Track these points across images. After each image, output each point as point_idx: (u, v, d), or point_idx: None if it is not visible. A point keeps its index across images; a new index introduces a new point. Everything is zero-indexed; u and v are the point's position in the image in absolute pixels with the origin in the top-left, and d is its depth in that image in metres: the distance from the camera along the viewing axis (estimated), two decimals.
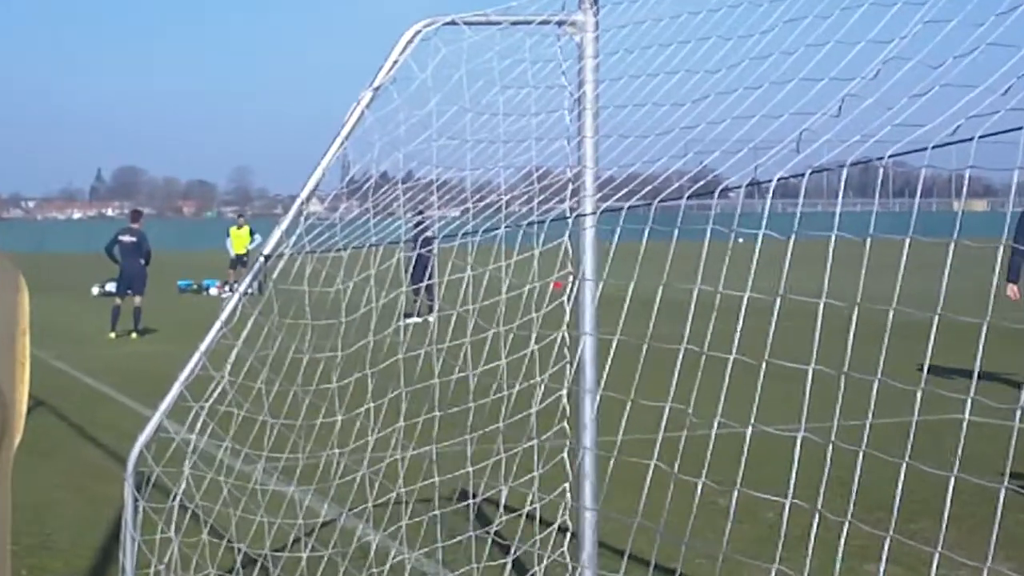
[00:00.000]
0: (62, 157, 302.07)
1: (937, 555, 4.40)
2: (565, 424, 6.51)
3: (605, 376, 6.14)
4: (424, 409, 6.97)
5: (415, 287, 7.92)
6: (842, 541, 4.59)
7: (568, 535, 6.68)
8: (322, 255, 7.05)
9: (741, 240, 5.11)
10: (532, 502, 6.74)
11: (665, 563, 5.85)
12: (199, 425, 7.15)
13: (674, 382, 5.21)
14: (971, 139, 3.99)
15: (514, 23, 6.49)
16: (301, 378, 7.31)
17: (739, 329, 4.66)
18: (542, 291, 6.59)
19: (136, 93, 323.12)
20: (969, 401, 4.17)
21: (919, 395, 4.57)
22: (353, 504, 7.70)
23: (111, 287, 36.60)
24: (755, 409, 4.92)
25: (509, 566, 6.93)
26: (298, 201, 7.02)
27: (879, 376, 4.43)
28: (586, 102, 6.26)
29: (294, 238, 7.05)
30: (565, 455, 6.58)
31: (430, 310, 7.62)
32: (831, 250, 4.41)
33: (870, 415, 4.38)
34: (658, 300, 5.28)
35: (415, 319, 7.37)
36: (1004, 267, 18.14)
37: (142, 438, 7.25)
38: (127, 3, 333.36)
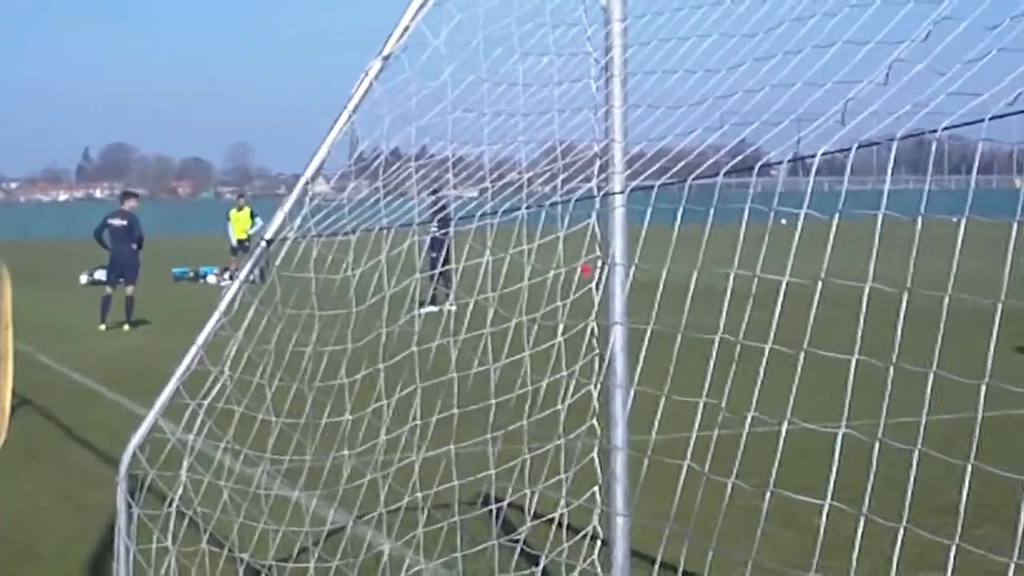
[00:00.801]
0: (46, 134, 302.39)
1: (1012, 565, 4.35)
2: (595, 422, 6.50)
3: (639, 370, 6.14)
4: (439, 406, 6.97)
5: (430, 273, 7.92)
6: (897, 547, 4.59)
7: (599, 542, 6.69)
8: (328, 239, 7.06)
9: (784, 221, 5.11)
10: (560, 507, 6.74)
11: (701, 571, 5.85)
12: (197, 424, 7.17)
13: (709, 376, 5.21)
14: None
15: None
16: (306, 373, 7.31)
17: (776, 317, 4.67)
18: (568, 277, 6.58)
19: (125, 63, 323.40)
20: None
21: (983, 389, 4.55)
22: (364, 509, 7.72)
23: (100, 275, 36.75)
24: (791, 403, 4.92)
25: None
26: (302, 180, 7.03)
27: (934, 368, 4.42)
28: (614, 69, 6.24)
29: (298, 221, 7.06)
30: (595, 455, 6.57)
31: (446, 298, 7.63)
32: (878, 230, 4.41)
33: (925, 411, 4.37)
34: (692, 287, 5.29)
35: (431, 308, 7.38)
36: None
37: (135, 439, 7.28)
38: None
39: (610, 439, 6.34)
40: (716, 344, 5.28)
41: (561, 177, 6.52)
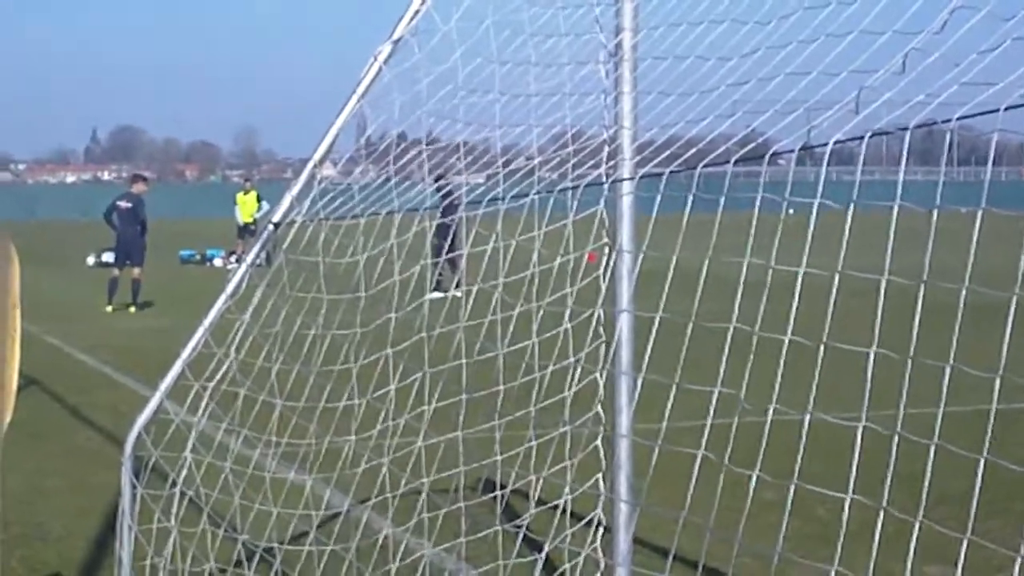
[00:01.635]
0: (54, 116, 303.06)
1: (1019, 559, 4.32)
2: (600, 409, 6.47)
3: (647, 358, 6.10)
4: (440, 390, 6.93)
5: (436, 260, 7.88)
6: (914, 539, 4.55)
7: (602, 529, 6.66)
8: (335, 223, 7.03)
9: (792, 211, 5.07)
10: (564, 493, 6.72)
11: (707, 561, 5.81)
12: (201, 406, 7.15)
13: (723, 365, 5.17)
14: None
15: None
16: (311, 356, 7.29)
17: (794, 308, 4.63)
18: (575, 264, 6.55)
19: (134, 46, 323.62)
20: None
21: (997, 382, 4.51)
22: (364, 493, 7.69)
23: (108, 257, 36.77)
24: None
25: (540, 563, 6.91)
26: (310, 164, 6.99)
27: (951, 362, 4.38)
28: (623, 53, 6.19)
29: (306, 204, 7.03)
30: (599, 443, 6.54)
31: (452, 284, 7.59)
32: (893, 221, 4.36)
33: (942, 404, 4.34)
34: (704, 275, 5.25)
35: (437, 294, 7.34)
36: None
37: (140, 420, 7.25)
38: None
39: (614, 426, 6.31)
40: (730, 333, 5.23)
41: (570, 163, 6.48)
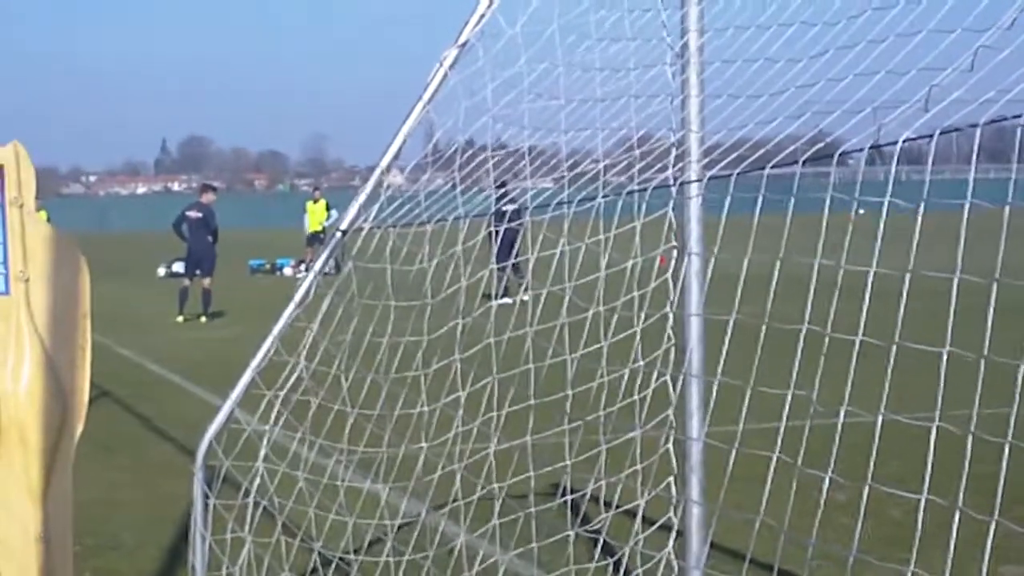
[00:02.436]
0: (125, 128, 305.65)
1: None
2: (671, 413, 6.47)
3: (723, 361, 6.08)
4: (511, 396, 6.94)
5: (501, 265, 7.88)
6: (990, 539, 4.52)
7: (674, 533, 6.65)
8: (402, 230, 7.04)
9: (862, 211, 5.04)
10: (636, 498, 6.71)
11: (781, 564, 5.79)
12: (273, 415, 7.18)
13: (795, 367, 5.15)
14: None
15: None
16: (381, 364, 7.30)
17: (865, 309, 4.61)
18: (644, 267, 6.54)
19: (203, 57, 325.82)
20: None
21: None
22: (438, 500, 7.71)
23: (178, 267, 37.06)
24: (885, 396, 4.85)
25: (613, 567, 6.91)
26: (377, 171, 7.01)
27: None
28: (690, 56, 6.19)
29: (374, 211, 7.04)
30: (670, 447, 6.54)
31: (519, 289, 7.60)
32: (964, 219, 4.33)
33: (1016, 403, 4.30)
34: (776, 277, 5.23)
35: (507, 299, 7.34)
36: None
37: (211, 429, 7.28)
38: None
39: (686, 430, 6.31)
40: (802, 334, 5.21)
41: (637, 167, 6.47)
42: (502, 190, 7.61)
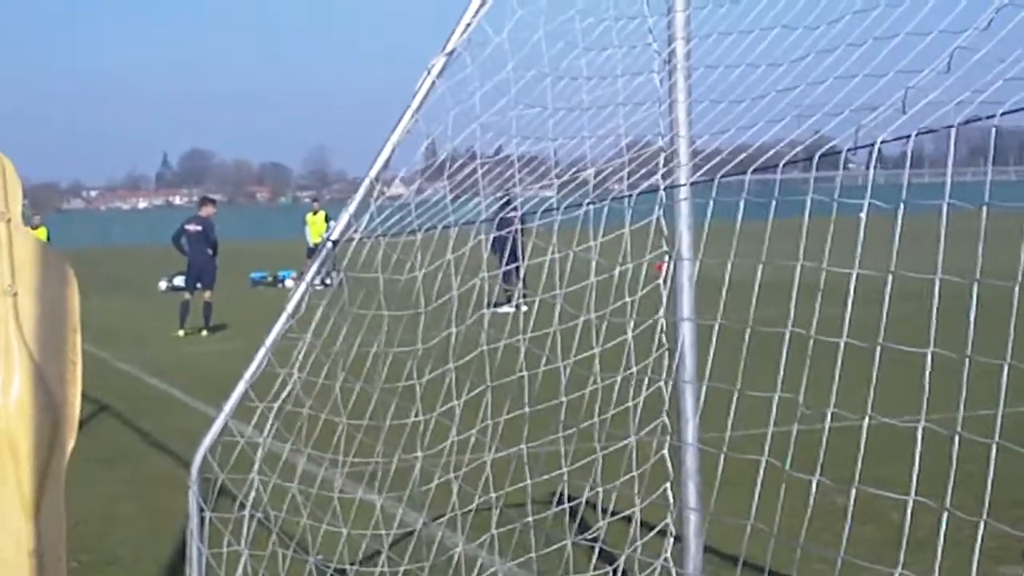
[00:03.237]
0: (125, 142, 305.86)
1: None
2: (665, 419, 6.49)
3: (709, 366, 6.11)
4: (509, 405, 6.96)
5: (506, 270, 7.89)
6: (978, 541, 4.54)
7: (672, 539, 6.67)
8: (392, 239, 7.06)
9: (862, 215, 5.06)
10: (633, 504, 6.73)
11: (778, 568, 5.81)
12: (267, 426, 7.20)
13: (781, 371, 5.18)
14: None
15: None
16: (374, 374, 7.32)
17: (848, 310, 4.63)
18: (635, 273, 6.56)
19: (203, 69, 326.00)
20: None
21: None
22: (435, 511, 7.73)
23: (179, 281, 37.08)
24: (871, 398, 4.87)
25: (612, 574, 6.92)
26: (367, 180, 7.03)
27: (1008, 360, 4.38)
28: (677, 61, 6.23)
29: (364, 221, 7.07)
30: (666, 452, 6.56)
31: (516, 296, 7.61)
32: (943, 220, 4.36)
33: (1001, 403, 4.33)
34: (758, 281, 5.26)
35: (505, 308, 7.36)
36: None
37: (206, 441, 7.30)
38: None
39: (681, 436, 6.33)
40: (787, 338, 5.24)
41: (626, 171, 6.50)
42: (506, 198, 7.63)
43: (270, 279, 48.24)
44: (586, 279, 6.65)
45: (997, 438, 4.44)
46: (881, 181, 4.97)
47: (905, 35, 4.85)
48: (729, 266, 5.56)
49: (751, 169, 5.32)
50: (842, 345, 4.93)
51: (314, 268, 7.24)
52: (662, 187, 6.21)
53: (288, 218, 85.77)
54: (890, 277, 4.75)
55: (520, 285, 7.61)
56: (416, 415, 7.23)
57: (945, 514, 4.58)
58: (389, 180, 7.20)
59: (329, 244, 7.20)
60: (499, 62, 6.64)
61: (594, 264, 6.60)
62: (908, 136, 4.46)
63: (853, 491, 5.02)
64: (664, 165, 6.28)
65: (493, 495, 7.12)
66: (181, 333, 29.73)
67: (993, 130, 4.27)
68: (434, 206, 7.11)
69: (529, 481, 7.02)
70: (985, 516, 4.45)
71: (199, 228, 30.57)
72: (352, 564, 7.81)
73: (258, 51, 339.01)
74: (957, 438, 4.54)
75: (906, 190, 4.55)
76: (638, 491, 6.68)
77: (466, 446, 7.21)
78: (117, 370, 22.90)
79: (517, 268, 7.36)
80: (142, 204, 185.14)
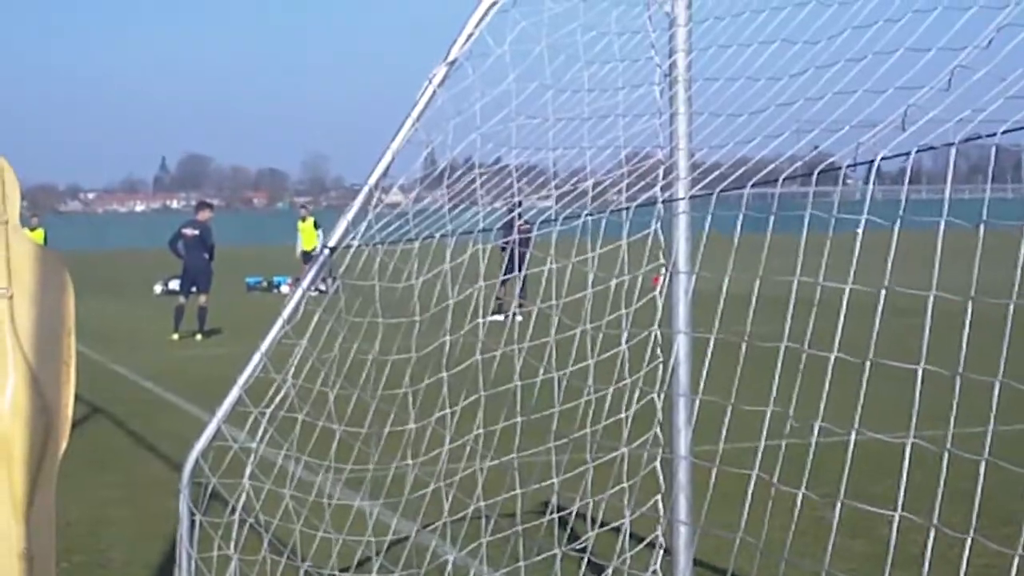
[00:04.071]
0: (123, 145, 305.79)
1: None
2: (658, 430, 6.49)
3: (703, 379, 6.12)
4: (504, 415, 6.97)
5: (492, 282, 7.89)
6: (964, 559, 4.54)
7: (661, 551, 6.67)
8: (390, 247, 7.07)
9: (860, 231, 5.06)
10: (623, 516, 6.73)
11: None
12: (260, 432, 7.19)
13: (775, 385, 5.18)
14: None
15: None
16: (369, 381, 7.32)
17: (840, 326, 4.63)
18: (631, 285, 6.57)
19: (202, 74, 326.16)
20: None
21: None
22: (427, 519, 7.73)
23: (174, 285, 37.01)
24: (859, 413, 4.88)
25: None
26: (365, 188, 7.04)
27: (1000, 377, 4.38)
28: (678, 74, 6.24)
29: (362, 228, 7.07)
30: (658, 464, 6.56)
31: (515, 305, 7.61)
32: (940, 237, 4.37)
33: (992, 420, 4.33)
34: (755, 295, 5.26)
35: (496, 316, 7.36)
36: None
37: (198, 446, 7.31)
38: None
39: (673, 448, 6.33)
40: (781, 352, 5.25)
41: (625, 182, 6.51)
42: (509, 208, 7.63)
43: (265, 284, 48.20)
44: (583, 290, 6.66)
45: (987, 455, 4.44)
46: (879, 197, 4.97)
47: (905, 51, 4.86)
48: (726, 280, 5.56)
49: (750, 184, 5.33)
50: (832, 360, 4.93)
51: (311, 274, 7.24)
52: (660, 200, 6.22)
53: (284, 224, 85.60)
54: (883, 293, 4.76)
55: (518, 294, 7.61)
56: (410, 423, 7.23)
57: (933, 531, 4.58)
58: (388, 188, 7.20)
59: (327, 251, 7.21)
60: (500, 73, 6.66)
61: (591, 276, 6.60)
62: (908, 153, 4.46)
63: (839, 505, 5.02)
64: (663, 178, 6.29)
65: (484, 504, 7.12)
66: (175, 337, 29.69)
67: (993, 148, 4.28)
68: (432, 215, 7.12)
69: (520, 491, 7.02)
70: (973, 533, 4.45)
71: (196, 232, 30.53)
72: (343, 571, 7.80)
73: (257, 56, 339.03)
74: (946, 455, 4.54)
75: (904, 206, 4.56)
76: (628, 503, 6.68)
77: (459, 455, 7.21)
78: (111, 373, 22.87)
79: (515, 278, 7.36)
80: (139, 207, 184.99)
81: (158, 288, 45.95)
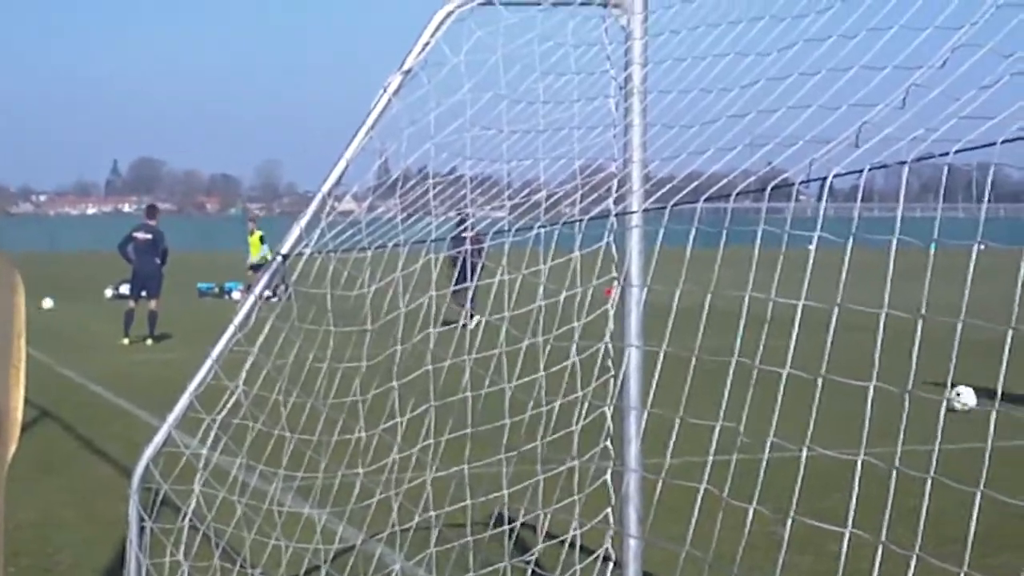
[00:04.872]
0: (75, 147, 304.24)
1: None
2: (608, 444, 6.49)
3: (654, 392, 6.12)
4: (453, 425, 6.96)
5: (442, 292, 7.88)
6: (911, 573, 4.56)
7: (611, 564, 6.67)
8: (343, 255, 7.05)
9: (812, 247, 5.08)
10: (572, 528, 6.73)
11: None
12: (211, 439, 7.17)
13: (724, 399, 5.19)
14: None
15: (555, 3, 6.50)
16: (321, 389, 7.30)
17: (793, 341, 4.65)
18: (583, 298, 6.57)
19: (155, 76, 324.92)
20: None
21: (993, 417, 4.51)
22: (376, 528, 7.71)
23: (125, 289, 36.86)
24: (811, 429, 4.89)
25: None
26: (319, 195, 7.03)
27: (946, 396, 4.40)
28: (633, 86, 6.25)
29: (315, 236, 7.05)
30: (608, 477, 6.56)
31: (465, 315, 7.61)
32: (892, 255, 4.39)
33: (939, 438, 4.35)
34: (706, 309, 5.28)
35: (451, 325, 7.34)
36: None
37: (148, 451, 7.28)
38: None
39: (624, 461, 6.34)
40: (732, 367, 5.26)
41: (578, 195, 6.52)
42: (459, 218, 7.63)
43: (217, 290, 48.07)
44: (534, 301, 6.66)
45: (933, 473, 4.46)
46: (831, 214, 5.00)
47: (860, 68, 4.88)
48: (677, 294, 5.56)
49: (703, 198, 5.34)
50: (784, 375, 4.95)
51: (263, 281, 7.21)
52: (614, 212, 6.23)
53: (237, 230, 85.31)
54: (836, 310, 4.77)
55: (468, 304, 7.60)
56: (359, 432, 7.21)
57: (880, 548, 4.59)
58: (341, 196, 7.19)
59: (279, 258, 7.18)
60: (456, 83, 6.65)
61: (542, 287, 6.60)
62: (861, 171, 4.48)
63: (789, 521, 5.04)
64: (616, 190, 6.30)
65: (433, 514, 7.11)
66: (126, 341, 29.56)
67: (946, 167, 4.31)
68: (385, 224, 7.10)
69: (469, 501, 7.02)
70: (918, 550, 4.47)
71: (149, 236, 30.41)
72: None
73: (210, 61, 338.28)
74: (895, 472, 4.56)
75: (856, 224, 4.57)
76: (578, 514, 6.67)
77: (408, 464, 7.20)
78: (60, 376, 22.75)
79: (466, 288, 7.36)
80: (91, 210, 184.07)
81: (109, 292, 45.73)
